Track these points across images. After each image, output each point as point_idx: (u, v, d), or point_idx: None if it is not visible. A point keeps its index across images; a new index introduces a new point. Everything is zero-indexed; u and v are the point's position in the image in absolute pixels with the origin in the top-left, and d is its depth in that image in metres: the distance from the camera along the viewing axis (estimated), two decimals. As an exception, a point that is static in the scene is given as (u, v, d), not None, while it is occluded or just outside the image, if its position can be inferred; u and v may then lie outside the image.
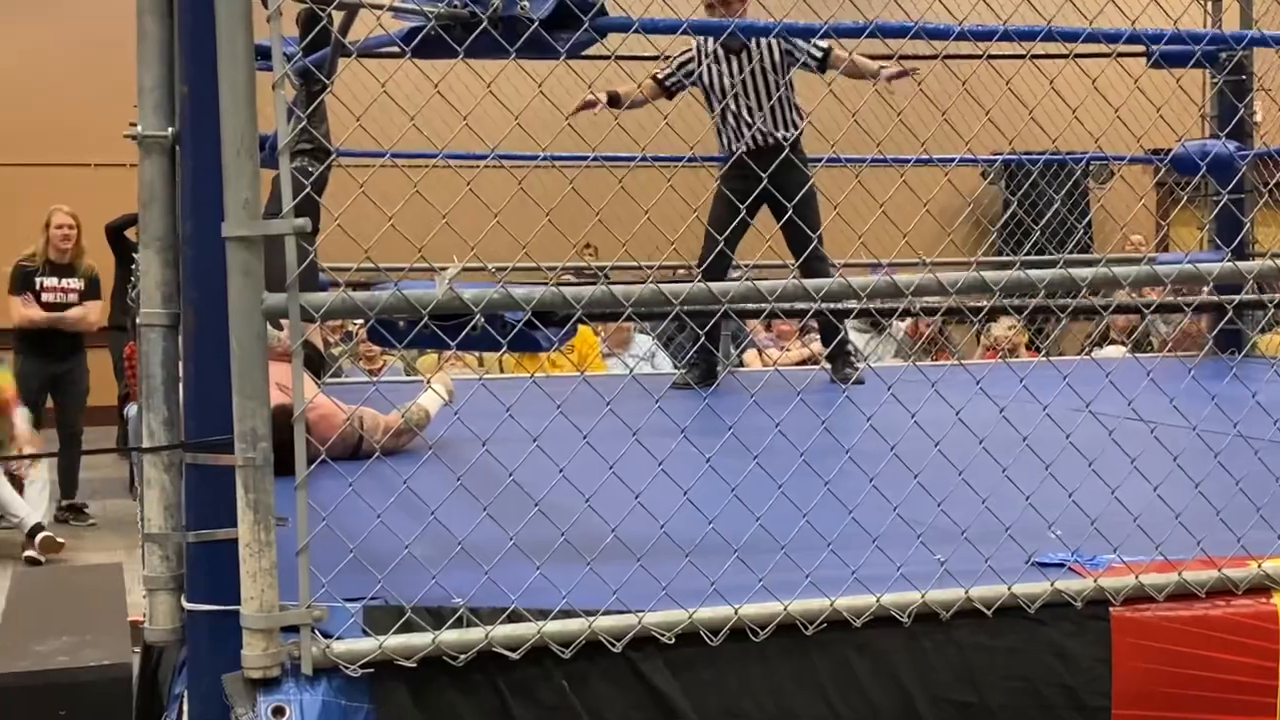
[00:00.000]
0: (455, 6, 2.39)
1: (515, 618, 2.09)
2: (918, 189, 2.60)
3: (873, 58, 5.11)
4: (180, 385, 2.07)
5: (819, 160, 4.97)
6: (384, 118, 2.51)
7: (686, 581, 2.18)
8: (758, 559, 2.24)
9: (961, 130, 2.90)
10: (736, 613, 2.14)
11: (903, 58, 4.91)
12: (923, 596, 2.21)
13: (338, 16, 3.20)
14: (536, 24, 2.16)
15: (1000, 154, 7.62)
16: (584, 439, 2.21)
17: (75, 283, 8.27)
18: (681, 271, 7.22)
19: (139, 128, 2.04)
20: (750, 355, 8.07)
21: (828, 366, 5.34)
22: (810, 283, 2.32)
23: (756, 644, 2.16)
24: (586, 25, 2.19)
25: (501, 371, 7.65)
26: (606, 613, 2.11)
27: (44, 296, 8.21)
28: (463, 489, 2.29)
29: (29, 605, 2.60)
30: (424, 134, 2.34)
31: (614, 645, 2.09)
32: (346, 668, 1.99)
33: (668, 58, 5.20)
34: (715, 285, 2.23)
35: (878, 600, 2.20)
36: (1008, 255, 9.12)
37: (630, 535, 2.25)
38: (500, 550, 2.18)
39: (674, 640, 2.11)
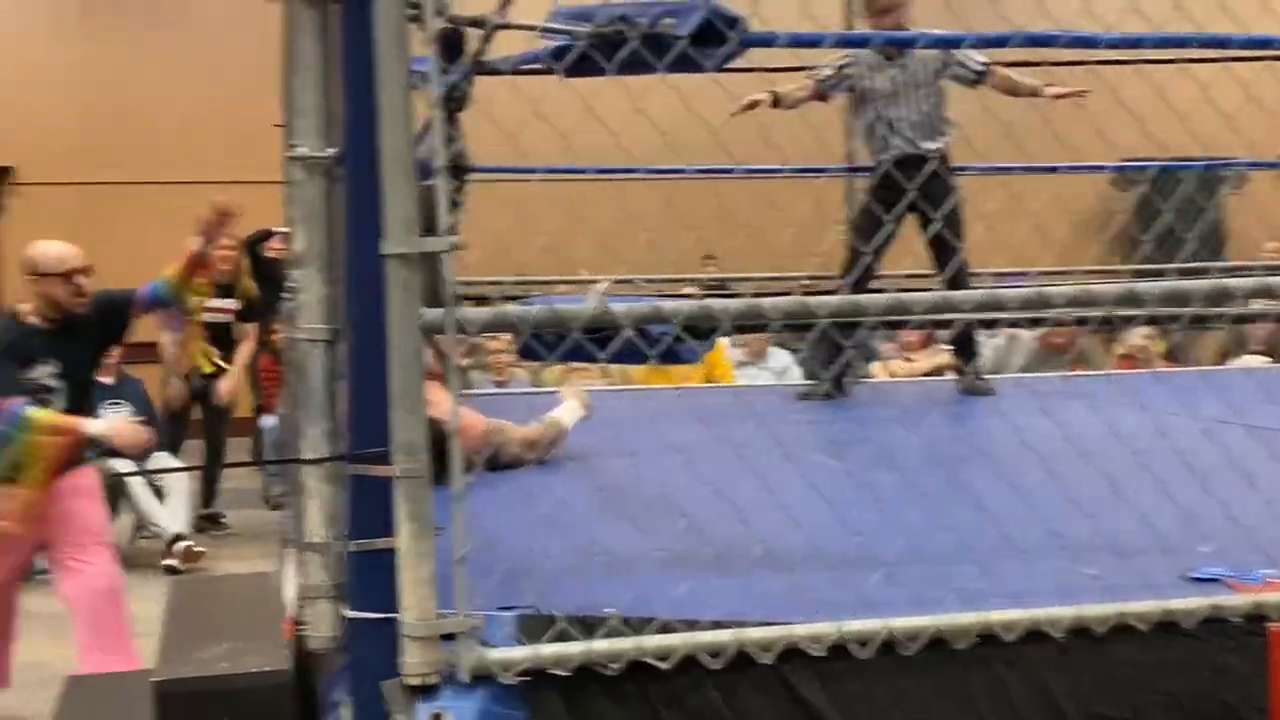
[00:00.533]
0: (602, 26, 2.42)
1: (666, 628, 2.11)
2: (1049, 197, 2.56)
3: (1015, 64, 5.08)
4: (340, 398, 2.13)
5: (964, 169, 4.93)
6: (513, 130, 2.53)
7: (835, 593, 2.18)
8: (906, 571, 2.23)
9: (1096, 136, 2.85)
10: (887, 626, 2.14)
11: (1045, 64, 4.85)
12: (1078, 612, 2.19)
13: (476, 35, 3.26)
14: (685, 40, 2.19)
15: (1135, 160, 7.47)
16: (735, 453, 2.23)
17: (233, 303, 8.43)
18: (806, 282, 7.20)
19: (298, 149, 2.10)
20: (875, 366, 8.01)
21: (956, 377, 5.28)
22: (957, 295, 2.31)
23: (906, 657, 2.16)
24: (737, 42, 2.20)
25: (628, 383, 7.69)
26: (756, 624, 2.12)
27: (205, 318, 8.28)
28: (602, 499, 2.31)
29: (188, 613, 2.69)
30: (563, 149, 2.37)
31: (764, 657, 2.10)
32: (502, 675, 2.02)
33: (809, 68, 5.16)
34: (861, 297, 2.23)
35: (1030, 615, 2.18)
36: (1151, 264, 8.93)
37: (777, 547, 2.26)
38: (646, 560, 2.20)
39: (824, 652, 2.12)
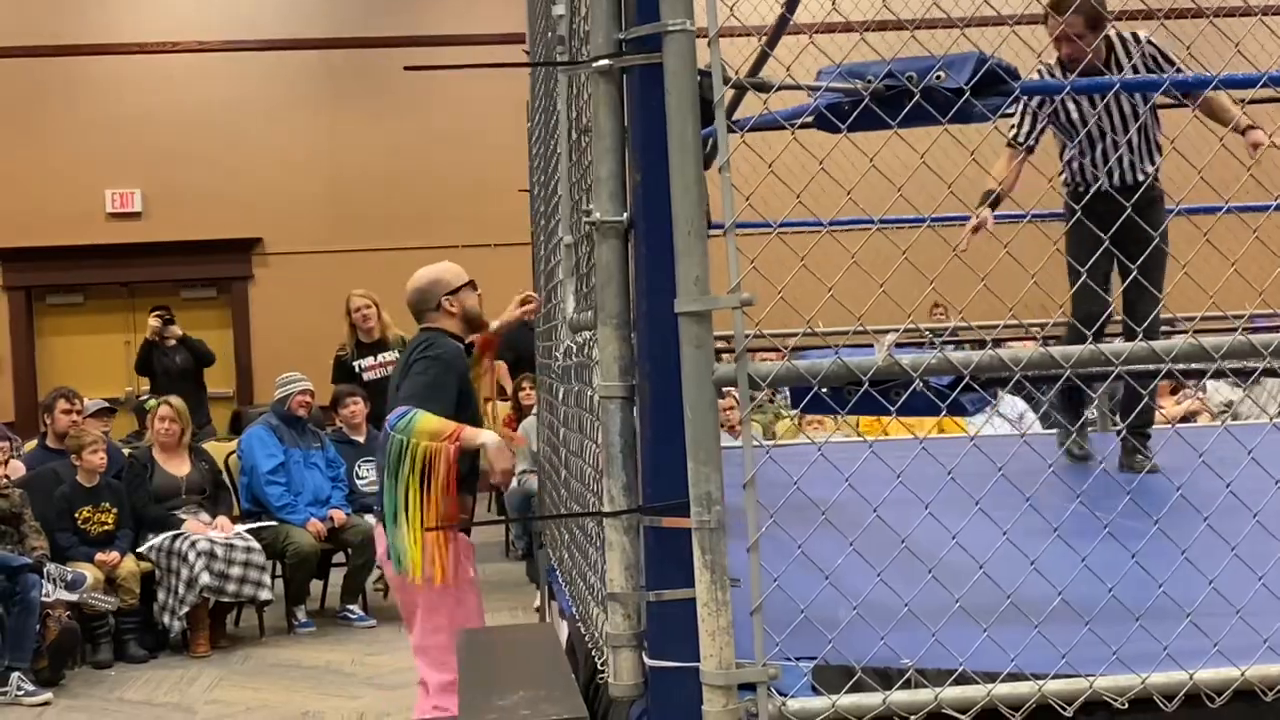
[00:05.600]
0: (870, 82, 2.46)
1: (963, 680, 2.11)
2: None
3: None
4: (637, 452, 2.20)
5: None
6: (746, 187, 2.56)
7: (1134, 646, 2.15)
8: (1209, 623, 2.18)
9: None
10: (1192, 678, 2.09)
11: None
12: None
13: (728, 94, 3.34)
14: (965, 93, 2.22)
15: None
16: (988, 504, 2.21)
17: (390, 355, 8.47)
18: (1035, 329, 7.05)
19: (595, 214, 2.19)
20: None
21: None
22: (1160, 345, 2.21)
23: (1211, 709, 2.11)
24: (1013, 90, 2.21)
25: (856, 434, 7.65)
26: (1055, 676, 2.10)
27: (365, 376, 8.50)
28: (868, 552, 2.32)
29: (479, 661, 2.79)
30: (807, 207, 2.41)
31: (1064, 709, 2.08)
32: (800, 725, 2.05)
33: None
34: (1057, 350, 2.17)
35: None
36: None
37: (1070, 598, 2.23)
38: (925, 612, 2.20)
39: (1126, 705, 2.09)
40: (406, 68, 2.30)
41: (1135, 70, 4.43)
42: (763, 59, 2.82)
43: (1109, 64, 4.45)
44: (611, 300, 2.19)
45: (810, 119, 2.63)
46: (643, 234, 2.15)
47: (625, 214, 2.17)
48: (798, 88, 2.34)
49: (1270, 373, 5.51)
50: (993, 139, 2.27)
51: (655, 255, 2.13)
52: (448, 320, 4.12)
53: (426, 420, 3.82)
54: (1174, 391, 7.65)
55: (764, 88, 2.26)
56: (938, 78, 2.44)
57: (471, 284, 4.19)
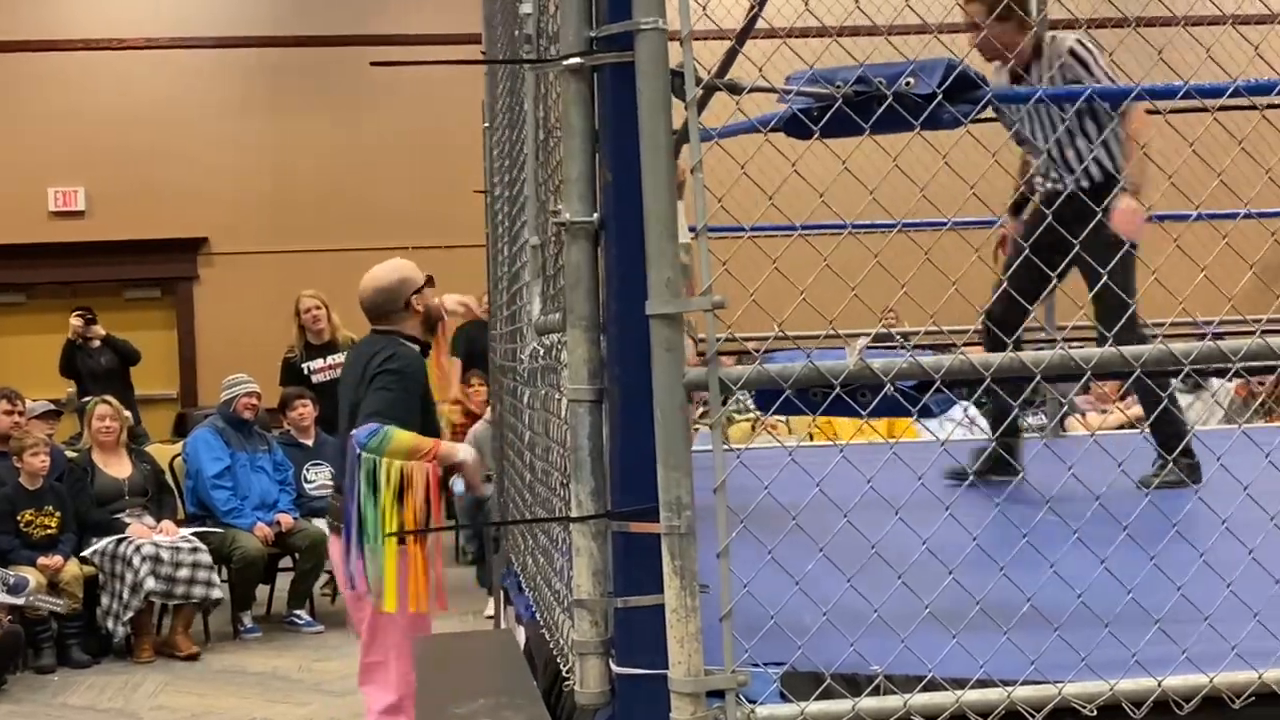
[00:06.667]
0: (837, 88, 2.45)
1: (932, 686, 2.09)
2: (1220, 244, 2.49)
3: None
4: (606, 457, 2.17)
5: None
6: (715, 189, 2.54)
7: (1102, 652, 2.14)
8: (1178, 630, 2.18)
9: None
10: (1160, 685, 2.09)
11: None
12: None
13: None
14: (937, 98, 2.21)
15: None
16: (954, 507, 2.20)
17: (340, 357, 8.22)
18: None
19: (565, 215, 2.16)
20: (1070, 421, 7.84)
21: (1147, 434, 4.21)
22: (1129, 350, 2.20)
23: (1180, 716, 2.11)
24: (984, 97, 2.21)
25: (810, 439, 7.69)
26: (1024, 683, 2.09)
27: (314, 378, 8.41)
28: (836, 557, 2.30)
29: (437, 670, 2.75)
30: (782, 211, 2.40)
31: (1033, 716, 2.07)
32: (770, 732, 2.03)
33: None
34: (1026, 355, 2.16)
35: (1310, 674, 2.11)
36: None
37: (1040, 604, 2.23)
38: (894, 618, 2.19)
39: (1095, 712, 2.08)
40: (373, 63, 2.27)
41: (1053, 81, 4.10)
42: (731, 57, 2.80)
43: (1029, 69, 4.16)
44: (581, 302, 2.16)
45: (780, 124, 2.62)
46: (613, 235, 2.12)
47: (595, 215, 2.15)
48: (770, 90, 2.32)
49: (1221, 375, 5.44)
50: (964, 143, 2.26)
51: (626, 257, 2.10)
52: (412, 321, 3.99)
53: (400, 438, 3.68)
54: (1124, 396, 7.72)
55: (736, 89, 2.24)
56: (906, 83, 2.43)
57: (430, 280, 4.11)
